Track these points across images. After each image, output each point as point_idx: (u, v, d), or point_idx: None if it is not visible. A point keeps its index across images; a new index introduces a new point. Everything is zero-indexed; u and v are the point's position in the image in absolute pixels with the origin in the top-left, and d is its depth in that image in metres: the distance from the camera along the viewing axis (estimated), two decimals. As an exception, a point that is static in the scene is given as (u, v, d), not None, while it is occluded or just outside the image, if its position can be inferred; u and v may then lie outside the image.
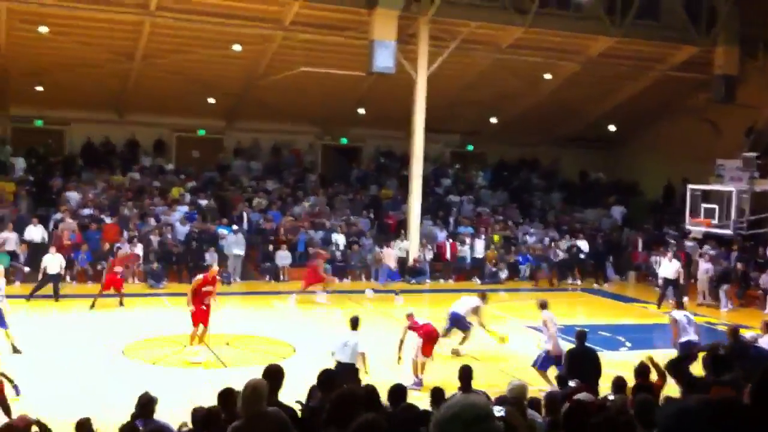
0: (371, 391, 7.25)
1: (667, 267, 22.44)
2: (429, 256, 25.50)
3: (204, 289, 14.84)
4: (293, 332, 17.02)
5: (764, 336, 12.08)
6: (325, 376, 8.23)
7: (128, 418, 7.73)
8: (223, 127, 30.01)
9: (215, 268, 16.35)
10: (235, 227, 24.29)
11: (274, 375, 6.88)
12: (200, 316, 14.71)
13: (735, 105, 27.00)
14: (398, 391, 7.72)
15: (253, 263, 24.60)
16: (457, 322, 15.61)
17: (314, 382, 8.01)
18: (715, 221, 20.99)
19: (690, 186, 22.59)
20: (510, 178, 32.31)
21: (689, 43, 26.87)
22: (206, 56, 24.68)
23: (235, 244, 23.69)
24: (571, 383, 9.46)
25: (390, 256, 23.43)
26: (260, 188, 27.80)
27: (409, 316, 13.98)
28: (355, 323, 12.07)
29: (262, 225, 25.26)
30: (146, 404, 7.86)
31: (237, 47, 24.08)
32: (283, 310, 20.28)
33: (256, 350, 15.62)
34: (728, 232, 21.44)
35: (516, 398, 7.38)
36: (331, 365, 10.81)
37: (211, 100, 27.55)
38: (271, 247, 24.43)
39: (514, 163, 33.34)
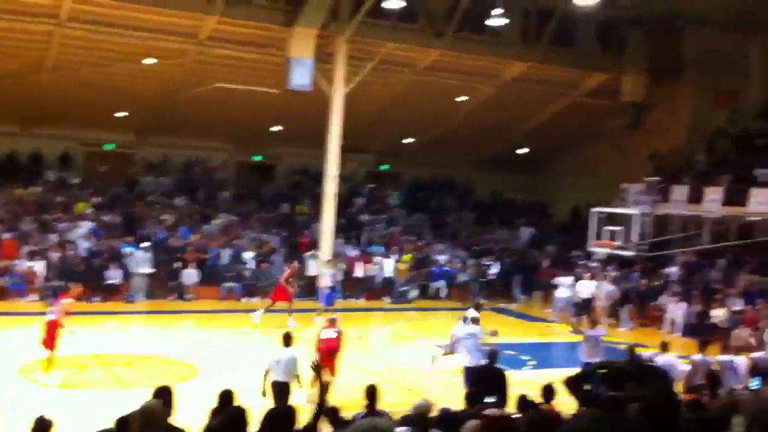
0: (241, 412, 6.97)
1: (585, 286, 23.02)
2: (340, 274, 25.32)
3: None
4: (197, 353, 16.60)
5: (661, 355, 12.36)
6: (223, 397, 8.01)
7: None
8: (134, 141, 29.33)
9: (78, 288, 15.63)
10: (141, 245, 23.59)
11: (163, 397, 6.64)
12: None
13: (643, 131, 27.85)
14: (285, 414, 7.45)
15: (159, 281, 23.94)
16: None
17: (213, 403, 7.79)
18: (618, 243, 21.55)
19: (594, 209, 23.17)
20: (424, 198, 32.53)
21: (600, 70, 27.68)
22: (118, 69, 24.07)
23: (141, 262, 23.03)
24: (489, 399, 9.43)
25: (326, 276, 22.72)
26: (170, 205, 27.21)
27: (330, 321, 13.61)
28: (287, 339, 11.60)
29: (170, 242, 24.68)
30: (42, 428, 7.42)
31: (150, 61, 23.57)
32: (188, 330, 19.81)
33: (157, 371, 15.15)
34: (630, 253, 22.02)
35: (419, 417, 7.32)
36: (231, 386, 10.49)
37: (123, 114, 26.89)
38: (179, 265, 23.86)
39: (429, 183, 33.59)
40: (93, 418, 10.14)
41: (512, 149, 32.29)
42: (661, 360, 12.23)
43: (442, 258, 27.83)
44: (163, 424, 5.87)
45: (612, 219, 22.37)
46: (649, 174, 25.13)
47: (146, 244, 23.59)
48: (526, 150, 32.23)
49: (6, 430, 10.30)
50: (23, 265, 21.88)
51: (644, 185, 23.27)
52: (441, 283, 26.78)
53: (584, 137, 31.53)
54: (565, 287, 23.29)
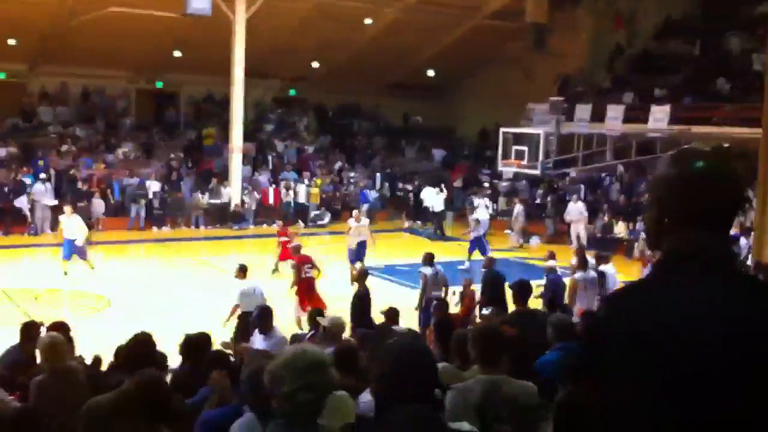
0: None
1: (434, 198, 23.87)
2: (253, 201, 25.11)
3: None
4: (107, 284, 16.27)
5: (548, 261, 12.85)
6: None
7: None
8: (27, 71, 27.91)
9: None
10: (42, 176, 22.65)
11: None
12: None
13: (546, 53, 28.30)
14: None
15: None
16: None
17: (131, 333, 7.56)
18: (525, 162, 22.05)
19: (502, 129, 23.57)
20: (333, 123, 32.36)
21: (502, -10, 27.77)
22: (5, -7, 22.72)
23: (43, 194, 22.16)
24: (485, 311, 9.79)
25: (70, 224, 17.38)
26: (69, 135, 26.19)
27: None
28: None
29: (73, 173, 23.84)
30: None
31: (40, -16, 22.35)
32: (96, 260, 19.31)
33: (68, 304, 14.85)
34: (536, 172, 22.59)
35: (337, 333, 7.48)
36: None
37: (12, 42, 25.46)
38: (82, 196, 23.11)
39: (337, 108, 33.42)
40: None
41: (418, 73, 32.30)
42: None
43: (355, 182, 27.86)
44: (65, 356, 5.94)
45: (518, 139, 22.80)
46: (553, 95, 25.64)
47: (44, 175, 22.68)
48: (432, 73, 32.28)
49: None
50: None
51: (549, 105, 23.76)
52: (365, 207, 26.79)
53: (489, 60, 31.77)
54: (482, 207, 23.75)
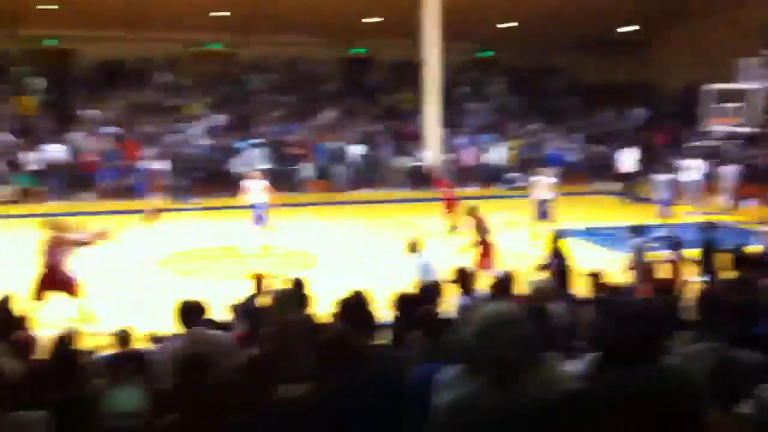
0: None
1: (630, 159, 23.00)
2: (450, 164, 25.42)
3: None
4: (313, 244, 17.06)
5: None
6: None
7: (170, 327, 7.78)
8: (237, 41, 29.67)
9: None
10: (256, 141, 24.21)
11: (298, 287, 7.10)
12: None
13: (753, 4, 26.33)
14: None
15: (272, 176, 24.58)
16: None
17: (336, 291, 7.96)
18: (737, 120, 20.73)
19: (710, 85, 22.21)
20: (527, 83, 31.91)
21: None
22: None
23: (258, 158, 23.59)
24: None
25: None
26: (276, 102, 27.65)
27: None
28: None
29: (281, 138, 25.24)
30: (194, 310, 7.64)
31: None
32: (304, 221, 20.28)
33: (283, 262, 15.73)
34: (751, 130, 21.16)
35: (539, 299, 7.58)
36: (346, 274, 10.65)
37: (223, 14, 27.14)
38: (290, 160, 24.46)
39: (532, 68, 32.88)
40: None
41: (614, 29, 31.07)
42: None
43: (553, 143, 27.50)
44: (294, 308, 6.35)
45: (724, 97, 21.43)
46: (762, 48, 23.83)
47: (260, 140, 24.16)
48: (630, 28, 30.90)
49: (151, 316, 10.99)
50: (147, 165, 22.79)
51: (761, 59, 22.09)
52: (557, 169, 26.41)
53: (691, 12, 29.94)
54: (690, 170, 22.64)
